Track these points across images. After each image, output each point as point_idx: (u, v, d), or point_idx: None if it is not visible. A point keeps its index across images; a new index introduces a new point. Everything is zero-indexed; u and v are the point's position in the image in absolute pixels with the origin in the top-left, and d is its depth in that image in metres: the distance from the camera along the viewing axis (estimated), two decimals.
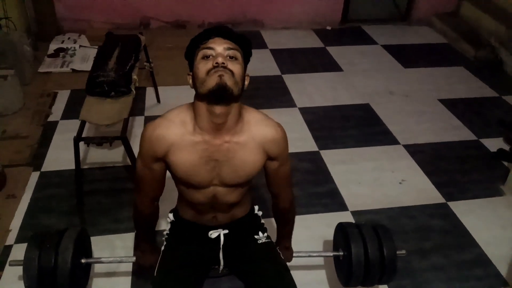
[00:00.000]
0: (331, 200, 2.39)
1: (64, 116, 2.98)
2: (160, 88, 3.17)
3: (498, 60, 3.92)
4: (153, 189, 1.41)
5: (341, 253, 1.69)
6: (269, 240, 1.54)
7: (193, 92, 1.26)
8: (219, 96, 1.18)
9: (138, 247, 1.65)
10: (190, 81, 1.27)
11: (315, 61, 3.90)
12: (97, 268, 1.93)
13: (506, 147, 2.83)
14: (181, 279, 1.40)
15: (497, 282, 1.99)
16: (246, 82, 1.27)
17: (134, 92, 2.30)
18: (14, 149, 2.64)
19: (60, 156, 2.58)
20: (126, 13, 4.14)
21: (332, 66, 3.83)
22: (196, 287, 1.45)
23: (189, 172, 1.30)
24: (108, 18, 4.12)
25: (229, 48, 1.21)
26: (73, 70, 3.49)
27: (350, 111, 3.20)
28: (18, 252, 1.99)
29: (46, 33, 3.89)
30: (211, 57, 1.20)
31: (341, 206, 2.36)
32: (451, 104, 3.32)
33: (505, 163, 2.73)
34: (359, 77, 3.66)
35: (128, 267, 1.95)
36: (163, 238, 1.55)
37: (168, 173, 1.38)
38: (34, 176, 2.45)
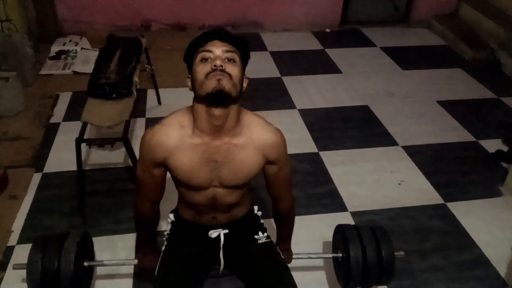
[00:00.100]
0: (331, 201, 2.41)
1: (66, 118, 2.99)
2: (161, 90, 3.19)
3: (497, 61, 3.93)
4: (154, 193, 1.43)
5: (340, 255, 1.71)
6: (269, 240, 1.55)
7: (193, 94, 1.27)
8: (217, 99, 1.19)
9: (139, 249, 1.67)
10: (189, 83, 1.29)
11: (315, 63, 3.92)
12: (99, 270, 1.94)
13: (505, 148, 2.84)
14: (182, 279, 1.41)
15: (497, 283, 2.00)
16: (245, 84, 1.28)
17: (135, 94, 2.32)
18: (16, 150, 2.65)
19: (61, 158, 2.60)
20: (127, 15, 4.16)
21: (331, 68, 3.85)
22: (197, 287, 1.46)
23: (189, 174, 1.31)
24: (109, 20, 4.14)
25: (227, 51, 1.22)
26: (75, 72, 3.51)
27: (350, 113, 3.22)
28: (20, 253, 2.01)
29: (47, 35, 3.91)
30: (209, 59, 1.21)
31: (340, 206, 2.37)
32: (450, 106, 3.34)
33: (504, 164, 2.74)
34: (359, 79, 3.67)
35: (130, 269, 1.96)
36: (164, 238, 1.56)
37: (168, 175, 1.39)
38: (36, 177, 2.46)
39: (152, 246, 1.63)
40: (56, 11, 3.99)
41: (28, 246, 1.56)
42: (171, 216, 1.57)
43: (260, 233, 1.54)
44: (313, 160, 2.71)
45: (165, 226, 1.64)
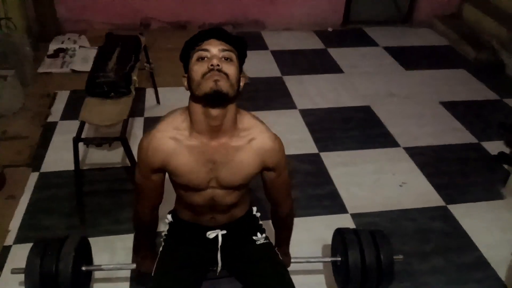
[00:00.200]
0: (331, 202, 2.39)
1: (64, 117, 2.97)
2: (160, 89, 3.17)
3: (499, 62, 3.91)
4: (153, 198, 1.42)
5: (339, 259, 1.69)
6: (267, 241, 1.54)
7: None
8: (215, 99, 1.18)
9: (138, 253, 1.66)
10: (185, 83, 1.27)
11: (316, 63, 3.90)
12: (97, 273, 1.93)
13: (507, 150, 2.82)
14: (179, 280, 1.40)
15: (497, 285, 1.98)
16: (242, 83, 1.27)
17: (134, 93, 2.30)
18: (14, 149, 2.63)
19: (59, 157, 2.58)
20: (126, 14, 4.15)
21: (333, 67, 3.83)
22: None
23: (187, 176, 1.30)
24: (109, 18, 4.13)
25: (224, 50, 1.20)
26: (73, 71, 3.49)
27: (351, 113, 3.19)
28: (17, 252, 2.00)
29: (47, 34, 3.89)
30: (206, 58, 1.19)
31: (341, 208, 2.35)
32: (452, 107, 3.31)
33: (506, 166, 2.72)
34: (360, 79, 3.65)
35: (127, 272, 1.94)
36: (161, 239, 1.55)
37: (166, 176, 1.38)
38: (34, 177, 2.45)
39: (151, 250, 1.62)
40: (56, 10, 3.98)
41: (26, 246, 1.55)
42: (169, 217, 1.55)
43: (258, 234, 1.52)
44: (314, 160, 2.69)
45: (162, 227, 1.63)
